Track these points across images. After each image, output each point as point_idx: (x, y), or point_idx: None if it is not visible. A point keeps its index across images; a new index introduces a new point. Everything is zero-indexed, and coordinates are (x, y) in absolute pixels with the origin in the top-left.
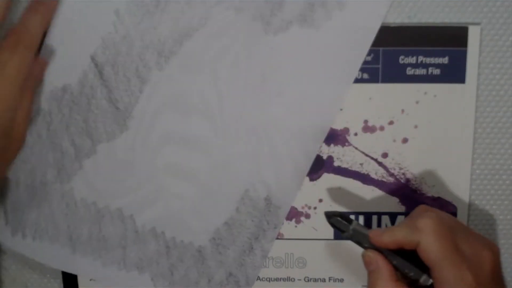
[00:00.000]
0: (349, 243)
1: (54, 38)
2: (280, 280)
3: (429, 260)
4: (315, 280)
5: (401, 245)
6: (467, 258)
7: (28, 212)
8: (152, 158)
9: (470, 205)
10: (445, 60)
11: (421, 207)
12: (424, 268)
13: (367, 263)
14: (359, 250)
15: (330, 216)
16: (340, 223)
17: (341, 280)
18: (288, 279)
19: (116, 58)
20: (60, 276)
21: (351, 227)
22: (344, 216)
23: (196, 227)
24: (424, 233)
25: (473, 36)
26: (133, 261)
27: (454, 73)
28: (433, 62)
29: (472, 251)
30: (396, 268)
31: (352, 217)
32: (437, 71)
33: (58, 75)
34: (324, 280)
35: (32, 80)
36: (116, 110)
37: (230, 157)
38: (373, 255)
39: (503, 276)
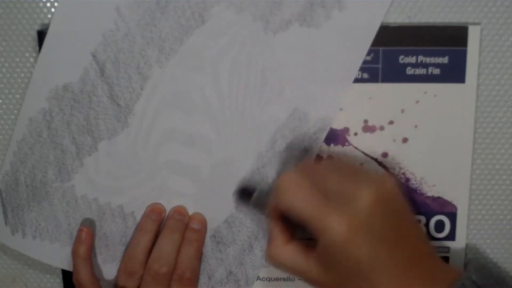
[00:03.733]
0: None
1: (55, 37)
2: (280, 280)
3: (295, 218)
4: None
5: (277, 211)
6: (338, 203)
7: (28, 210)
8: (153, 155)
9: (470, 205)
10: (445, 60)
11: (298, 164)
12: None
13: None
14: None
15: (235, 194)
16: (241, 199)
17: None
18: (288, 279)
19: (117, 55)
20: (60, 276)
21: (253, 198)
22: (245, 189)
23: None
24: (280, 191)
25: (473, 36)
26: None
27: (454, 73)
28: (433, 62)
29: (344, 195)
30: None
31: None
32: (437, 71)
33: (59, 74)
34: None
35: None
36: (117, 107)
37: (231, 155)
38: (268, 221)
39: (408, 213)
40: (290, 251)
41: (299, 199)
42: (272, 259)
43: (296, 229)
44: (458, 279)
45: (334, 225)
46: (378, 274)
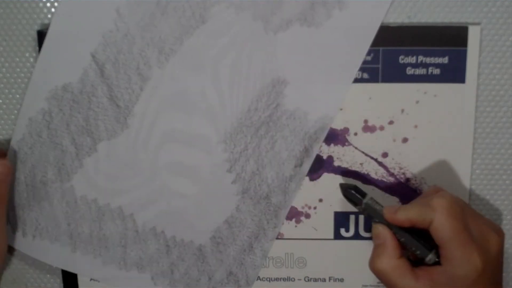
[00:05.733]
0: (349, 243)
1: (55, 37)
2: (280, 280)
3: (441, 238)
4: (315, 280)
5: (414, 223)
6: (476, 240)
7: (28, 210)
8: (153, 156)
9: (470, 205)
10: (445, 60)
11: (433, 187)
12: (430, 248)
13: (375, 236)
14: (359, 249)
15: (345, 189)
16: (354, 196)
17: (341, 280)
18: (288, 279)
19: (117, 56)
20: (60, 276)
21: (365, 200)
22: (358, 189)
23: (196, 225)
24: (438, 211)
25: (473, 36)
26: (133, 260)
27: (454, 73)
28: (433, 62)
29: (480, 233)
30: (403, 246)
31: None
32: (437, 71)
33: (58, 74)
34: (324, 280)
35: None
36: (117, 108)
37: (231, 156)
38: (382, 229)
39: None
40: (401, 266)
41: (454, 224)
42: (380, 270)
43: (407, 248)
44: None
45: (475, 259)
46: None
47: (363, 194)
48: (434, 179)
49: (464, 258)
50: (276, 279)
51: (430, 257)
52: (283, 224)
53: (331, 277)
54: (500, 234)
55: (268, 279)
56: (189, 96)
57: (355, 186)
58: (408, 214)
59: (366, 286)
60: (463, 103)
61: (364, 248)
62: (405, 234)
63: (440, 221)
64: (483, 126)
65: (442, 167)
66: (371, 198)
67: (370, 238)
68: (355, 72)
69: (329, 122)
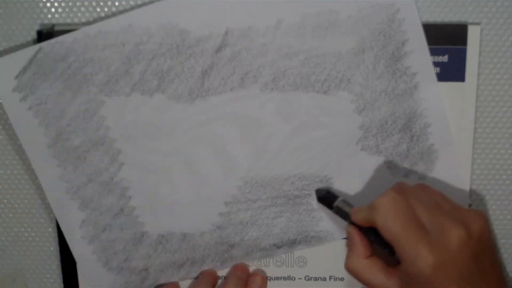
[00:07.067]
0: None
1: None
2: (281, 279)
3: (387, 237)
4: (316, 279)
5: (367, 223)
6: (430, 234)
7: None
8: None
9: (470, 205)
10: (444, 58)
11: (395, 184)
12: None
13: (347, 237)
14: None
15: (318, 193)
16: (325, 200)
17: (342, 279)
18: (289, 278)
19: None
20: (60, 276)
21: (335, 204)
22: (330, 193)
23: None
24: (379, 211)
25: (473, 34)
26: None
27: (454, 71)
28: (432, 60)
29: (436, 227)
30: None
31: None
32: (437, 70)
33: None
34: (324, 279)
35: None
36: None
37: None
38: (350, 230)
39: (494, 252)
40: (371, 265)
41: (397, 222)
42: (352, 270)
43: (375, 246)
44: None
45: (424, 255)
46: None
47: (335, 197)
48: (434, 179)
49: (411, 255)
50: (277, 278)
51: (376, 251)
52: None
53: (332, 276)
54: (473, 226)
55: (268, 278)
56: None
57: (328, 190)
58: (358, 215)
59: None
60: (463, 102)
61: None
62: (370, 234)
63: (382, 221)
64: (483, 126)
65: (442, 167)
66: (343, 201)
67: None
68: None
69: None
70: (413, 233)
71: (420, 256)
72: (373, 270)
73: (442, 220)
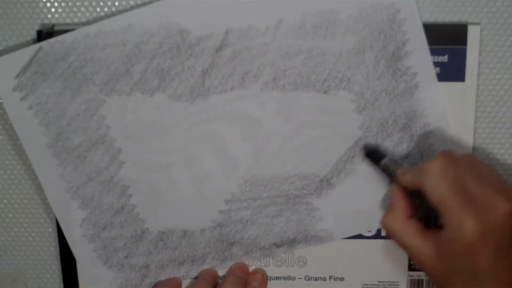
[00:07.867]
0: (350, 242)
1: None
2: (281, 279)
3: (432, 202)
4: (316, 279)
5: (413, 186)
6: (476, 204)
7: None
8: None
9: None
10: (444, 58)
11: (443, 151)
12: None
13: (389, 195)
14: (359, 248)
15: (366, 149)
16: (373, 156)
17: (342, 279)
18: (289, 277)
19: None
20: (60, 276)
21: (382, 162)
22: (378, 150)
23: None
24: (427, 175)
25: (473, 34)
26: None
27: (454, 71)
28: (433, 60)
29: (484, 198)
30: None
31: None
32: (436, 70)
33: None
34: (324, 279)
35: None
36: None
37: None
38: (392, 189)
39: None
40: (409, 226)
41: (445, 188)
42: (388, 227)
43: (418, 210)
44: None
45: (470, 222)
46: (492, 284)
47: (383, 155)
48: None
49: (456, 221)
50: (277, 278)
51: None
52: None
53: (332, 276)
54: None
55: (268, 278)
56: None
57: (376, 146)
58: (406, 176)
59: (366, 285)
60: (463, 102)
61: (365, 247)
62: (414, 196)
63: (431, 184)
64: (483, 126)
65: None
66: (391, 159)
67: (370, 238)
68: None
69: None
70: (461, 200)
71: (466, 222)
72: (410, 231)
73: (490, 192)
